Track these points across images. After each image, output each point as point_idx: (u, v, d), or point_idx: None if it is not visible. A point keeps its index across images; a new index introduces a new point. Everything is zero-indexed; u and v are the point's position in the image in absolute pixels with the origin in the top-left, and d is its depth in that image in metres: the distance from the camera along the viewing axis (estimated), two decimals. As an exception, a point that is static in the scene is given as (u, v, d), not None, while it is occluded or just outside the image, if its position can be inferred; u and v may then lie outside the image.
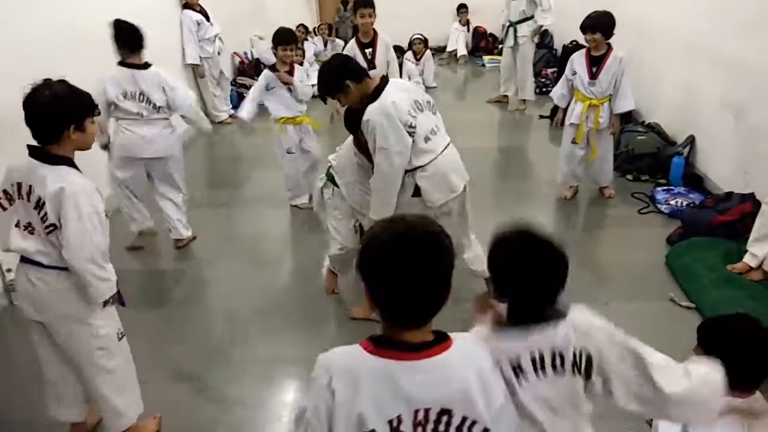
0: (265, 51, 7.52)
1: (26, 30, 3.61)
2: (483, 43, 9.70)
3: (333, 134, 6.18)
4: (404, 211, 2.86)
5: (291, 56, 4.22)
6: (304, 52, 7.89)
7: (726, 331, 1.66)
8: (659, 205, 4.33)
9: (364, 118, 2.68)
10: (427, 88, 7.78)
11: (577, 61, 4.22)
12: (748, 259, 3.32)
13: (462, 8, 9.65)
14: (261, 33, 8.16)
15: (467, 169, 3.01)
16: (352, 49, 4.47)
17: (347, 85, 2.73)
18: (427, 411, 1.10)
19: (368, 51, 4.44)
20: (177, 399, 2.73)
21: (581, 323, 1.34)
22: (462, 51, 9.49)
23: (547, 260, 1.34)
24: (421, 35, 8.07)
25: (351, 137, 3.02)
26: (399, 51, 7.15)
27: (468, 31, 9.71)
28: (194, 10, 6.28)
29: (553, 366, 1.32)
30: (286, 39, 4.18)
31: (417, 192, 2.87)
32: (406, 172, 2.80)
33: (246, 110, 4.28)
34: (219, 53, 6.62)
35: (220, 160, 6.07)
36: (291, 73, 4.24)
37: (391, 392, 1.09)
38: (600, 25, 4.02)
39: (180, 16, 6.21)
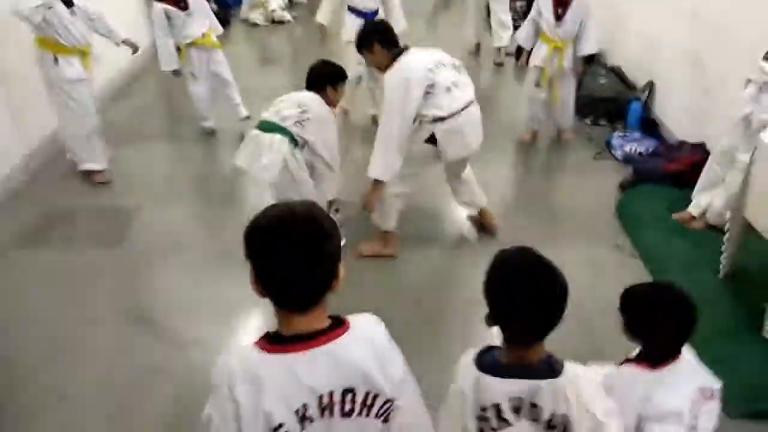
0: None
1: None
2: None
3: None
4: (416, 157, 3.02)
5: None
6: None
7: (646, 302, 1.64)
8: (614, 151, 4.40)
9: (384, 82, 2.89)
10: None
11: (543, 3, 4.15)
12: (691, 208, 3.44)
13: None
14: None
15: None
16: None
17: (373, 44, 2.96)
18: (331, 394, 1.15)
19: None
20: (133, 341, 2.77)
21: (571, 391, 1.31)
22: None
23: (546, 287, 1.30)
24: None
25: (309, 95, 3.08)
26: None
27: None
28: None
29: (533, 417, 1.32)
30: None
31: (433, 140, 2.95)
32: (427, 121, 2.89)
33: (170, 61, 4.32)
34: None
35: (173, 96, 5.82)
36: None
37: (294, 384, 1.12)
38: (567, -34, 3.93)
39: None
